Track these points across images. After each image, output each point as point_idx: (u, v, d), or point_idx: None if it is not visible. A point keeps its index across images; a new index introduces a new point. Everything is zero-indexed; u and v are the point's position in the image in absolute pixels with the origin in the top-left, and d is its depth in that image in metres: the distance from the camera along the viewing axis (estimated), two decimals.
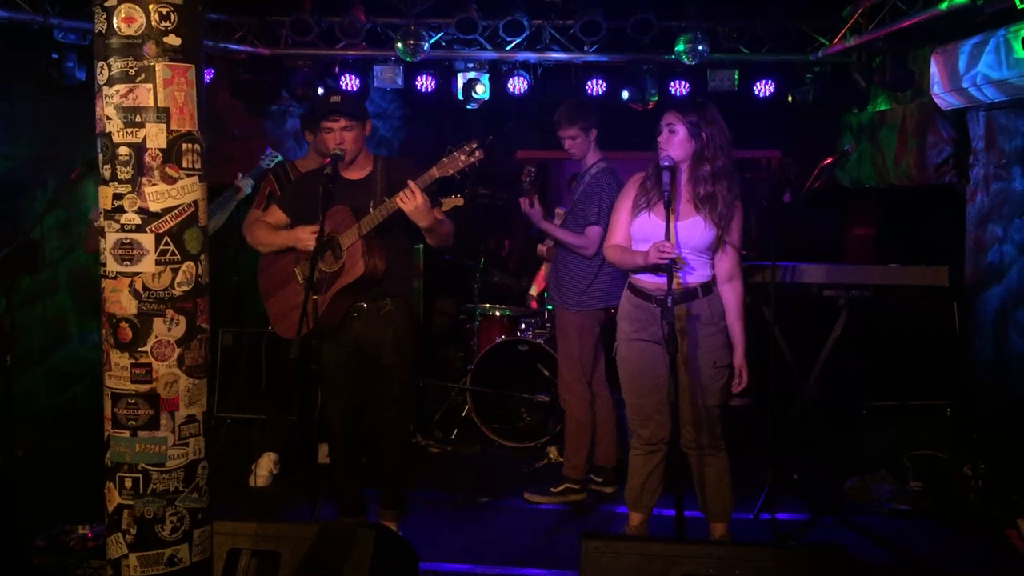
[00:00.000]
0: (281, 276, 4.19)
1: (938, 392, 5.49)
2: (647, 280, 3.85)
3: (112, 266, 2.39)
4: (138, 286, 2.37)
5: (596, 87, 6.41)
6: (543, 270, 5.98)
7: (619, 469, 4.71)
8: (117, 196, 2.36)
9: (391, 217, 3.86)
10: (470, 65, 6.39)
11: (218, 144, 6.30)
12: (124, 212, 2.36)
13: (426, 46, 6.03)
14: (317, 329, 3.78)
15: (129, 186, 2.35)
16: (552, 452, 5.58)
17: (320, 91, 6.33)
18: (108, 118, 2.35)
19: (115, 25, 2.31)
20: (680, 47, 6.01)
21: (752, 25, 6.12)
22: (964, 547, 4.37)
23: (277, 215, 4.16)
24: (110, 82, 2.33)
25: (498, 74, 6.41)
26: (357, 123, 3.96)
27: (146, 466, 2.39)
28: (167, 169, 2.36)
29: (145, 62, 2.31)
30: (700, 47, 5.97)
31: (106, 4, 2.32)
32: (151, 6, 2.30)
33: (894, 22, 5.23)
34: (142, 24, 2.30)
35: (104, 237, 2.40)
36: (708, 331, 3.82)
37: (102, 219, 2.41)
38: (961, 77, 5.05)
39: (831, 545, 3.09)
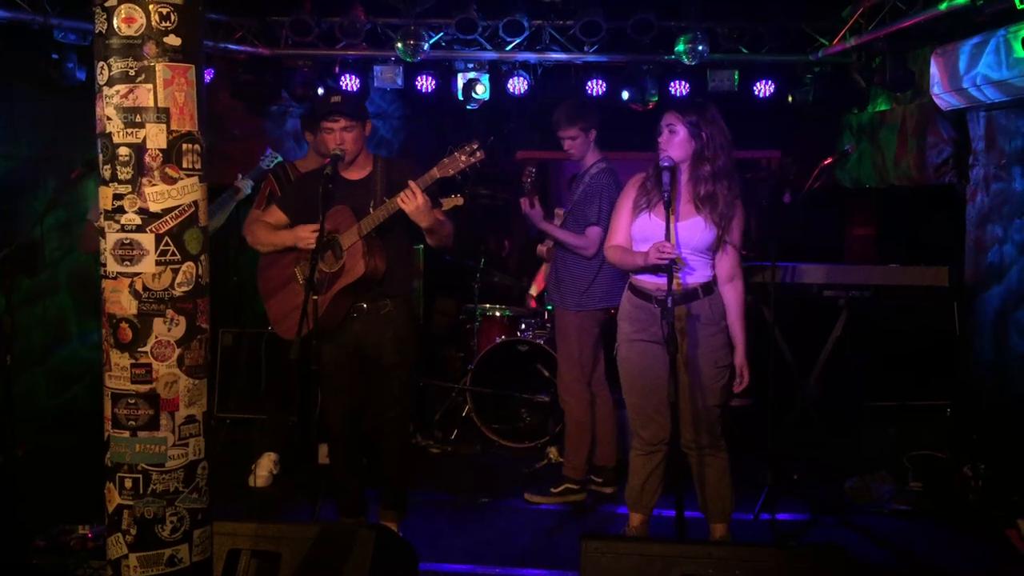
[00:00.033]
0: (281, 277, 4.19)
1: (938, 392, 5.48)
2: (647, 280, 3.84)
3: (112, 266, 2.39)
4: (138, 286, 2.37)
5: (596, 87, 6.40)
6: (543, 270, 5.98)
7: (619, 469, 4.71)
8: (117, 196, 2.36)
9: (392, 217, 3.86)
10: (470, 65, 6.39)
11: (218, 144, 6.30)
12: (124, 212, 2.36)
13: (426, 46, 6.03)
14: (317, 329, 3.78)
15: (129, 186, 2.35)
16: (552, 452, 5.58)
17: (320, 91, 6.33)
18: (108, 118, 2.35)
19: (115, 25, 2.31)
20: (680, 47, 6.01)
21: (752, 25, 6.11)
22: (964, 547, 4.37)
23: (277, 215, 4.16)
24: (110, 82, 2.33)
25: (498, 74, 6.40)
26: (357, 123, 3.96)
27: (146, 466, 2.39)
28: (167, 169, 2.36)
29: (145, 62, 2.31)
30: (700, 47, 5.97)
31: (106, 4, 2.32)
32: (151, 6, 2.30)
33: (894, 22, 5.23)
34: (142, 24, 2.30)
35: (104, 237, 2.40)
36: (709, 331, 3.81)
37: (102, 219, 2.41)
38: (961, 77, 5.05)
39: (831, 545, 3.09)
